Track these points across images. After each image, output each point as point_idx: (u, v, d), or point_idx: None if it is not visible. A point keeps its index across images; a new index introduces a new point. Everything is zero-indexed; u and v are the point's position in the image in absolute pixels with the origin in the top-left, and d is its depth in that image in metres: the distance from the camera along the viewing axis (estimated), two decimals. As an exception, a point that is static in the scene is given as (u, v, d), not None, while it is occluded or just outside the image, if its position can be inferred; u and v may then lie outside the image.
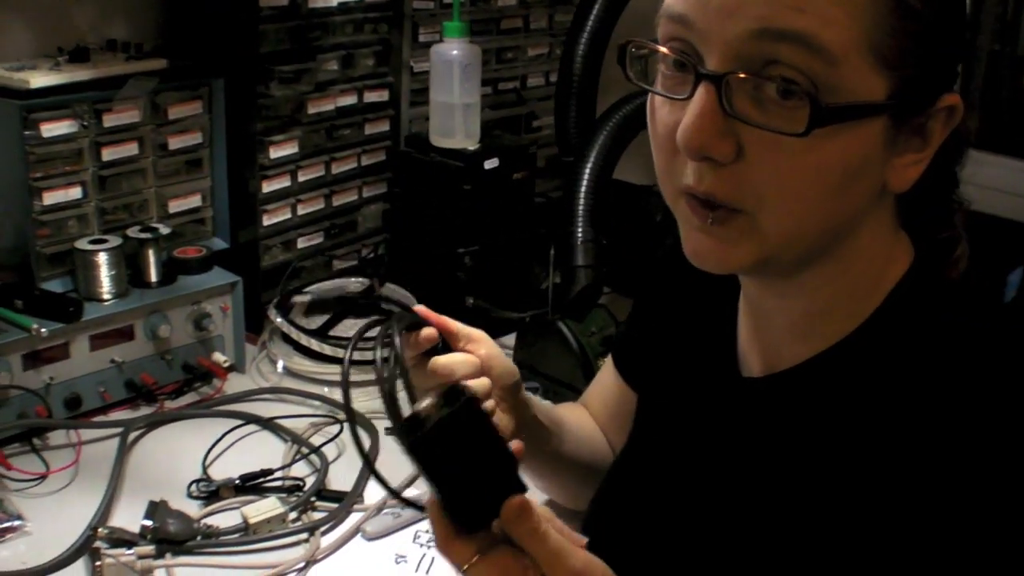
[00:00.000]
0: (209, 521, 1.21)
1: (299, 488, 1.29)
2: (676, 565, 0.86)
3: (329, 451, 1.36)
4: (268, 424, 1.44)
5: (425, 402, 0.69)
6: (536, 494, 1.25)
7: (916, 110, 0.71)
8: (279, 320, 1.61)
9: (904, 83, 0.69)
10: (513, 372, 1.00)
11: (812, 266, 0.76)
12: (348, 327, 1.64)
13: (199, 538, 1.17)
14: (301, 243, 1.75)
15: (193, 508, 1.24)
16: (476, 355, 0.96)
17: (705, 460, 0.87)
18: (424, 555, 1.19)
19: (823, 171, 0.69)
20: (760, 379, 0.84)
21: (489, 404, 0.95)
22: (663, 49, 0.72)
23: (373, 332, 0.84)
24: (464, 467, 0.71)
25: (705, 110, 0.68)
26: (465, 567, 0.70)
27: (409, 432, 0.69)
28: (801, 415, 0.79)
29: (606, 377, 1.16)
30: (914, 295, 0.77)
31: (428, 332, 0.93)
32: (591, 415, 1.20)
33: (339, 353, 1.56)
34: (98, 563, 1.11)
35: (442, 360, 0.93)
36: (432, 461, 0.70)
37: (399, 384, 0.78)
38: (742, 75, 0.67)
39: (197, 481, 1.29)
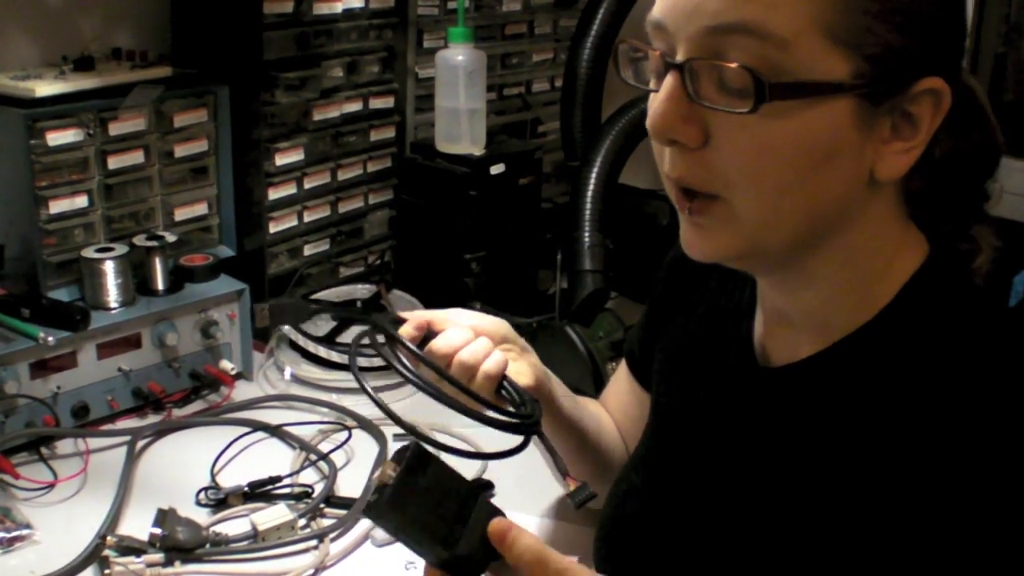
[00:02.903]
0: (218, 529, 1.20)
1: (308, 495, 1.28)
2: (700, 560, 0.86)
3: (337, 458, 1.36)
4: (276, 431, 1.44)
5: (378, 473, 0.72)
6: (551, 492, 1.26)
7: (889, 91, 0.70)
8: (286, 327, 1.61)
9: (871, 63, 0.68)
10: (501, 323, 1.05)
11: (812, 257, 0.76)
12: (355, 334, 1.64)
13: (208, 546, 1.17)
14: (307, 250, 1.75)
15: (202, 516, 1.24)
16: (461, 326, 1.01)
17: (725, 452, 0.87)
18: (434, 561, 1.18)
19: (784, 150, 0.70)
20: (778, 369, 0.84)
21: (500, 358, 0.98)
22: (652, 51, 0.75)
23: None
24: (435, 512, 0.73)
25: (670, 95, 0.72)
26: None
27: (375, 502, 0.71)
28: (819, 404, 0.80)
29: (621, 381, 1.16)
30: (929, 288, 0.78)
31: (414, 325, 0.98)
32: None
33: (346, 360, 1.56)
34: (107, 571, 1.11)
35: (438, 341, 0.98)
36: (404, 520, 0.72)
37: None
38: (700, 59, 0.70)
39: (205, 489, 1.28)
